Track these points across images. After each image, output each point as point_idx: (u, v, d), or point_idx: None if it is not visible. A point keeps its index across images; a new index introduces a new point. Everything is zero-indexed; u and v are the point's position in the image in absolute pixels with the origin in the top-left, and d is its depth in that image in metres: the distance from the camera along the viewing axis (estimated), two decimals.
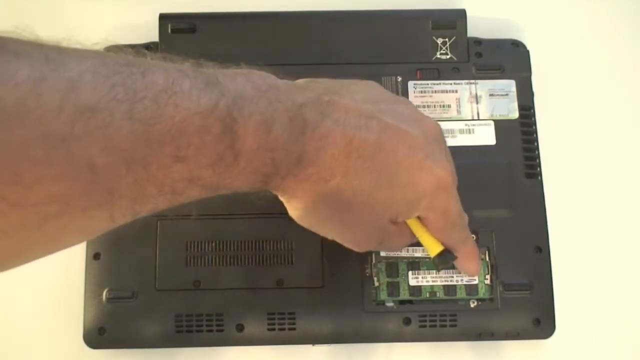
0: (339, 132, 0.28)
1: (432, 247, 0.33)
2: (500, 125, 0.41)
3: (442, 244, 0.33)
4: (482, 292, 0.38)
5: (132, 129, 0.22)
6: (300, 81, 0.31)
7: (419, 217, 0.32)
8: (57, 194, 0.21)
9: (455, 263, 0.35)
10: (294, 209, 0.31)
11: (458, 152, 0.40)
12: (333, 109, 0.28)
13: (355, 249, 0.33)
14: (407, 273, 0.38)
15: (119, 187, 0.23)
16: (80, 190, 0.22)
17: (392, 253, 0.39)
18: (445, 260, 0.33)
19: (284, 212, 0.39)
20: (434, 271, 0.38)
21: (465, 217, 0.34)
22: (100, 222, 0.24)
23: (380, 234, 0.32)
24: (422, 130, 0.31)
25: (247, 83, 0.26)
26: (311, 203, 0.29)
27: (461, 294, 0.38)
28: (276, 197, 0.33)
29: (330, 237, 0.33)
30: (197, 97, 0.24)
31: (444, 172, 0.31)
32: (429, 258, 0.39)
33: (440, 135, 0.32)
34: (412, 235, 0.33)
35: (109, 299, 0.38)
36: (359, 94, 0.31)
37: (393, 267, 0.38)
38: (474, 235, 0.39)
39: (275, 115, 0.26)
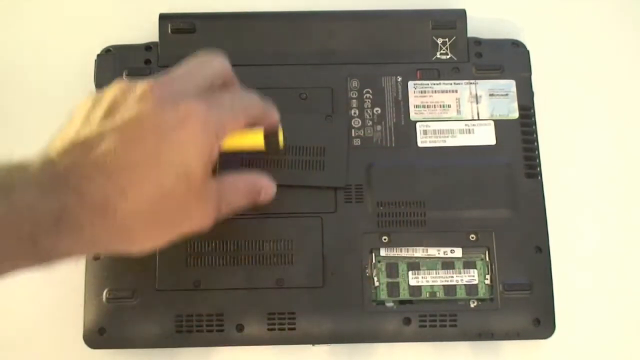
0: (88, 166, 0.28)
1: (255, 141, 0.33)
2: (500, 125, 0.41)
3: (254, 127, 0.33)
4: (482, 292, 0.38)
5: None
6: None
7: None
8: None
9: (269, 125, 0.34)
10: (116, 251, 0.30)
11: (458, 152, 0.40)
12: (71, 152, 0.28)
13: (204, 227, 0.32)
14: (407, 273, 0.38)
15: None
16: None
17: (393, 253, 0.39)
18: (275, 139, 0.33)
19: (284, 212, 0.39)
20: (434, 271, 0.38)
21: (245, 94, 0.33)
22: None
23: (210, 201, 0.32)
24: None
25: None
26: (122, 237, 0.29)
27: (461, 294, 0.38)
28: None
29: (172, 239, 0.32)
30: None
31: (193, 111, 0.30)
32: (430, 258, 0.39)
33: (166, 84, 0.31)
34: (253, 181, 0.33)
35: (109, 299, 0.38)
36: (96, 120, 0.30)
37: (393, 267, 0.38)
38: (473, 236, 0.39)
39: (16, 178, 0.27)
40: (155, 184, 0.29)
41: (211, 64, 0.34)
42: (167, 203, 0.29)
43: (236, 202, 0.34)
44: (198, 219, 0.32)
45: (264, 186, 0.35)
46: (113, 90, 0.31)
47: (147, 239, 0.31)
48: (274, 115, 0.35)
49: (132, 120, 0.29)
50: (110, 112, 0.30)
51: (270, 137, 0.33)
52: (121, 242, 0.30)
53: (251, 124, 0.34)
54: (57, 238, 0.27)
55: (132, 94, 0.31)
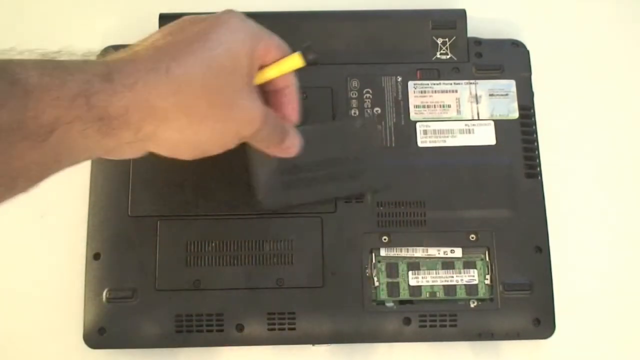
0: (129, 48, 0.29)
1: (294, 61, 0.32)
2: (500, 125, 0.41)
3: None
4: (482, 292, 0.38)
5: None
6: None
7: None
8: None
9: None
10: (173, 129, 0.28)
11: (458, 152, 0.40)
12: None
13: (252, 126, 0.31)
14: (407, 273, 0.38)
15: None
16: None
17: (393, 253, 0.39)
18: (312, 49, 0.32)
19: (284, 213, 0.39)
20: (434, 271, 0.38)
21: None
22: None
23: (256, 94, 0.31)
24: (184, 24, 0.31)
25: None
26: (177, 101, 0.27)
27: (461, 294, 0.38)
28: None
29: (225, 133, 0.30)
30: None
31: (229, 12, 0.31)
32: (430, 258, 0.39)
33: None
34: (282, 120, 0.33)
35: (109, 299, 0.38)
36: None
37: (393, 267, 0.38)
38: (473, 236, 0.39)
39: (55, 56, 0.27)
40: (205, 53, 0.28)
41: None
42: (217, 76, 0.29)
43: (274, 124, 0.33)
44: (248, 112, 0.30)
45: (290, 132, 0.34)
46: None
47: (201, 118, 0.29)
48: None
49: (174, 24, 0.31)
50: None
51: (304, 52, 0.32)
52: (180, 111, 0.28)
53: (285, 51, 0.33)
54: (110, 94, 0.26)
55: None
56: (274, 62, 0.32)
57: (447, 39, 0.43)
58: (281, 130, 0.33)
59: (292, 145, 0.34)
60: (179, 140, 0.29)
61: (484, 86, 0.42)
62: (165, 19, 0.42)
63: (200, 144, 0.30)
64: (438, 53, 0.43)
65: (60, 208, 0.41)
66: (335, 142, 0.39)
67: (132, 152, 0.29)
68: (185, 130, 0.28)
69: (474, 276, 0.38)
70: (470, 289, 0.38)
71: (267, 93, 0.34)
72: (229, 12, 0.31)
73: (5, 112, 0.24)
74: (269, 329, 0.37)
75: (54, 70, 0.25)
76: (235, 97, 0.30)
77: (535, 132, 0.41)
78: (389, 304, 0.38)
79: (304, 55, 0.32)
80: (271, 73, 0.32)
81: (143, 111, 0.27)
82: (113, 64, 0.27)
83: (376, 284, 0.38)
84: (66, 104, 0.25)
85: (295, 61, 0.32)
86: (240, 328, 0.37)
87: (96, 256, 0.38)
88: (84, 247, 0.39)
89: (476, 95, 0.42)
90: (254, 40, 0.31)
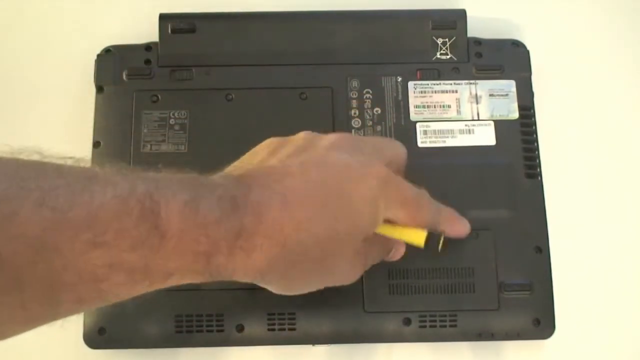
0: (269, 193, 0.28)
1: (417, 238, 0.32)
2: (500, 126, 0.41)
3: (423, 228, 0.32)
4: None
5: (42, 216, 0.22)
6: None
7: (386, 221, 0.32)
8: None
9: (445, 234, 0.33)
10: (271, 284, 0.30)
11: (458, 152, 0.40)
12: (255, 176, 0.29)
13: (347, 283, 0.32)
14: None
15: (29, 274, 0.22)
16: None
17: None
18: (444, 242, 0.32)
19: None
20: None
21: (424, 192, 0.33)
22: (10, 310, 0.23)
23: (360, 257, 0.32)
24: (331, 141, 0.31)
25: (167, 174, 0.27)
26: (280, 269, 0.28)
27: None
28: None
29: (318, 287, 0.32)
30: (114, 182, 0.24)
31: (375, 169, 0.31)
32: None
33: (355, 141, 0.33)
34: (390, 239, 0.33)
35: None
36: (279, 154, 0.31)
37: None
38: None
39: (201, 195, 0.26)
40: (328, 224, 0.29)
41: (395, 146, 0.35)
42: (330, 247, 0.29)
43: (377, 259, 0.34)
44: (347, 273, 0.32)
45: (397, 244, 0.35)
46: (302, 135, 0.32)
47: (301, 278, 0.30)
48: (456, 229, 0.35)
49: (319, 162, 0.30)
50: (298, 151, 0.31)
51: (432, 236, 0.32)
52: (280, 276, 0.29)
53: (420, 225, 0.33)
54: (229, 257, 0.27)
55: (322, 140, 0.32)
56: (400, 225, 0.32)
57: (447, 39, 0.43)
58: (385, 253, 0.34)
59: (394, 256, 0.35)
60: (272, 287, 0.30)
61: (484, 86, 0.42)
62: (165, 19, 0.42)
63: (292, 291, 0.31)
64: (438, 53, 0.43)
65: None
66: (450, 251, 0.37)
67: None
68: (279, 283, 0.30)
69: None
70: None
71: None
72: (374, 169, 0.31)
73: (136, 255, 0.24)
74: (269, 329, 0.37)
75: (193, 224, 0.25)
76: (335, 264, 0.30)
77: (535, 132, 0.41)
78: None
79: (429, 241, 0.32)
80: (391, 233, 0.32)
81: (248, 276, 0.28)
82: (246, 221, 0.27)
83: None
84: (191, 259, 0.26)
85: (418, 238, 0.32)
86: (240, 328, 0.37)
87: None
88: None
89: (476, 95, 0.42)
90: (382, 209, 0.31)
